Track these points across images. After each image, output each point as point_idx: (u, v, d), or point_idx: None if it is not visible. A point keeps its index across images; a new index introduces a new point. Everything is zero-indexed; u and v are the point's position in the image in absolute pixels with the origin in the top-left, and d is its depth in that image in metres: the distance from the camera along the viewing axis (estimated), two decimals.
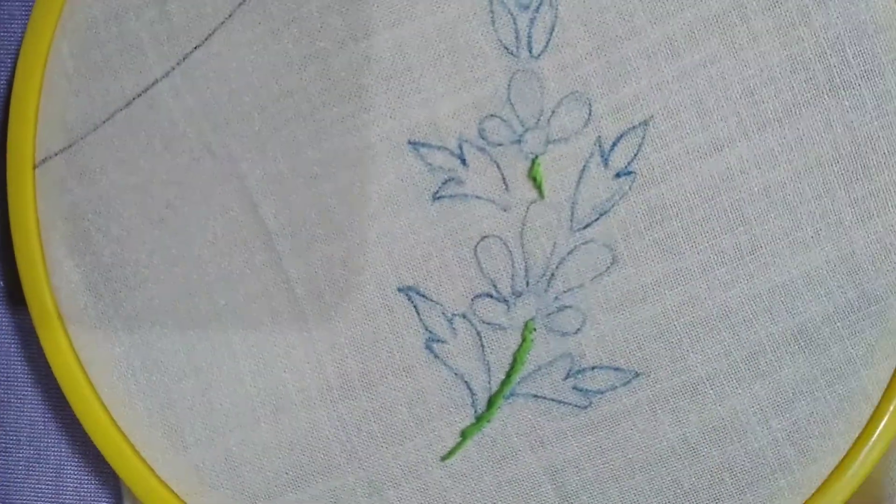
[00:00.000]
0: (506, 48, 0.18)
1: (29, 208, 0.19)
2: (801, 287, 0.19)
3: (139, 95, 0.19)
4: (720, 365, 0.19)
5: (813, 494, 0.19)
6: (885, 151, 0.19)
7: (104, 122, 0.19)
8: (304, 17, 0.19)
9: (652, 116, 0.18)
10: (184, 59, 0.19)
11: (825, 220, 0.19)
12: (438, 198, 0.19)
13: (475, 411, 0.19)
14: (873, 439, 0.19)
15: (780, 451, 0.19)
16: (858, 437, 0.19)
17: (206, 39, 0.19)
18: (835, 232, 0.19)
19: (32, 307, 0.19)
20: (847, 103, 0.18)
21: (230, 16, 0.19)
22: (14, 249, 0.19)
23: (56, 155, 0.19)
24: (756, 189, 0.19)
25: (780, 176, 0.19)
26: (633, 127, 0.18)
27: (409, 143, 0.19)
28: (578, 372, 0.19)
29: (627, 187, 0.19)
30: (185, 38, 0.19)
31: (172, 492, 0.20)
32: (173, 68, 0.19)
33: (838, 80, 0.18)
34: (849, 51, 0.18)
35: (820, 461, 0.19)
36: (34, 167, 0.19)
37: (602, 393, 0.19)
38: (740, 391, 0.19)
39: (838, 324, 0.19)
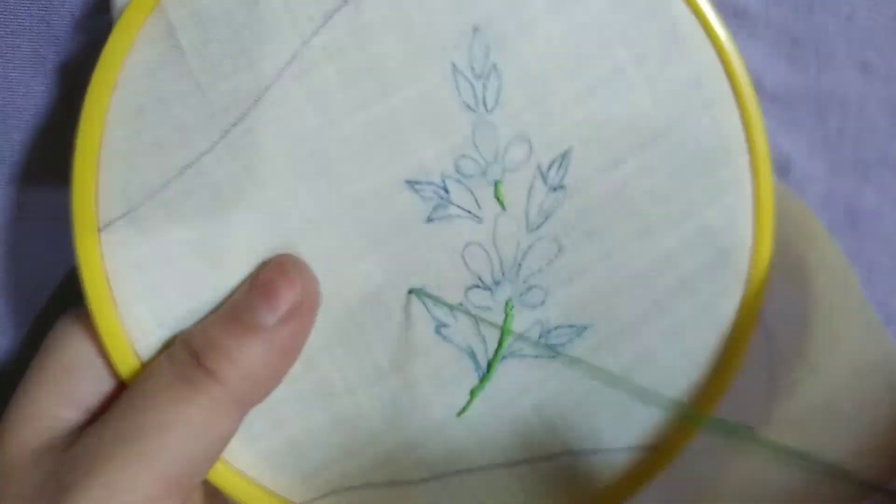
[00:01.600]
0: (468, 106, 0.25)
1: (97, 265, 0.23)
2: (679, 251, 0.27)
3: (189, 166, 0.24)
4: (638, 312, 0.27)
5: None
6: (720, 155, 0.28)
7: (160, 189, 0.24)
8: (318, 95, 0.24)
9: (572, 146, 0.26)
10: (225, 134, 0.24)
11: (688, 204, 0.27)
12: (431, 220, 0.25)
13: (479, 374, 0.26)
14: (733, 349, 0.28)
15: (679, 366, 0.27)
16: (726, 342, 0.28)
17: (242, 118, 0.24)
18: (695, 212, 0.27)
19: (109, 348, 0.23)
20: (692, 126, 0.27)
21: (260, 98, 0.24)
22: (87, 298, 0.23)
23: (118, 219, 0.23)
24: (643, 189, 0.27)
25: (657, 179, 0.27)
26: (560, 155, 0.26)
27: (406, 182, 0.25)
28: (547, 332, 0.26)
29: (561, 197, 0.26)
30: (224, 117, 0.24)
31: (246, 478, 0.24)
32: (216, 142, 0.24)
33: (686, 110, 0.27)
34: (690, 91, 0.27)
35: (704, 364, 0.28)
36: (98, 231, 0.23)
37: (564, 345, 0.26)
38: (653, 328, 0.27)
39: (705, 273, 0.28)
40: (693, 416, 0.28)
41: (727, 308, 0.28)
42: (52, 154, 0.26)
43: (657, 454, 0.28)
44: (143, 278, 0.23)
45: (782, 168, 0.32)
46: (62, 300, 0.27)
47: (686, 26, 0.27)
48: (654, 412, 0.27)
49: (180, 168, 0.24)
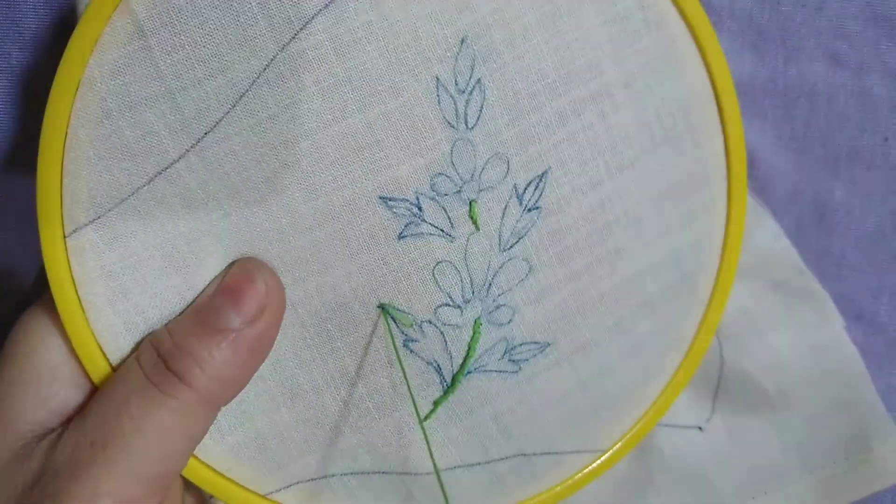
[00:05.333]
0: (448, 122, 0.24)
1: (64, 271, 0.23)
2: (647, 273, 0.28)
3: (159, 174, 0.23)
4: (599, 330, 0.27)
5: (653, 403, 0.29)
6: (698, 180, 0.28)
7: (129, 196, 0.23)
8: (294, 104, 0.23)
9: (550, 167, 0.25)
10: (197, 142, 0.23)
11: (661, 228, 0.27)
12: (403, 237, 0.25)
13: (443, 387, 0.26)
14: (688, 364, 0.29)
15: (635, 378, 0.29)
16: (682, 361, 0.29)
17: (214, 126, 0.23)
18: (667, 235, 0.28)
19: (81, 355, 0.23)
20: (674, 150, 0.27)
21: (234, 106, 0.23)
22: (56, 305, 0.23)
23: (85, 226, 0.23)
24: (618, 212, 0.27)
25: (633, 202, 0.27)
26: (538, 175, 0.25)
27: (380, 197, 0.24)
28: (512, 349, 0.27)
29: (535, 218, 0.26)
30: (196, 125, 0.23)
31: (215, 471, 0.25)
32: (188, 150, 0.23)
33: (670, 134, 0.27)
34: (676, 115, 0.27)
35: (658, 378, 0.29)
36: (65, 237, 0.23)
37: (527, 360, 0.27)
38: (612, 346, 0.28)
39: (668, 294, 0.28)
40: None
41: (686, 329, 0.29)
42: (19, 150, 0.25)
43: (603, 456, 0.29)
44: (112, 283, 0.23)
45: (747, 163, 0.30)
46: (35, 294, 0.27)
47: (681, 45, 0.26)
48: (602, 422, 0.29)
49: (150, 176, 0.23)
